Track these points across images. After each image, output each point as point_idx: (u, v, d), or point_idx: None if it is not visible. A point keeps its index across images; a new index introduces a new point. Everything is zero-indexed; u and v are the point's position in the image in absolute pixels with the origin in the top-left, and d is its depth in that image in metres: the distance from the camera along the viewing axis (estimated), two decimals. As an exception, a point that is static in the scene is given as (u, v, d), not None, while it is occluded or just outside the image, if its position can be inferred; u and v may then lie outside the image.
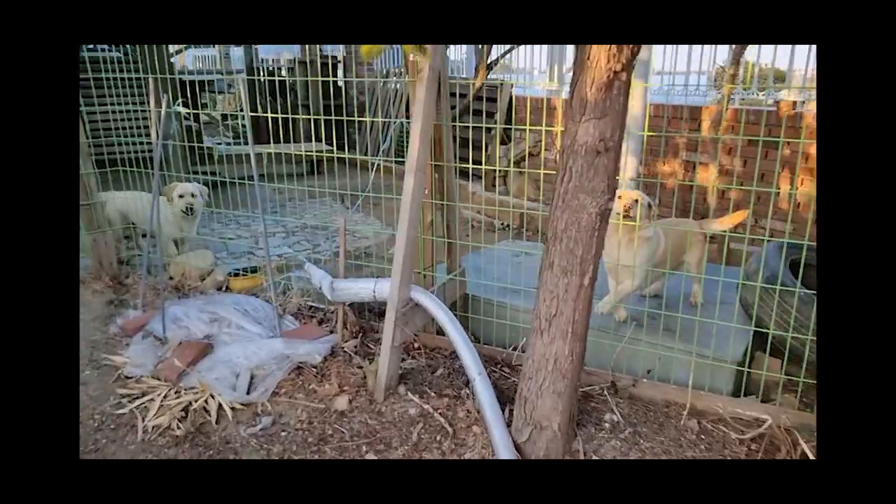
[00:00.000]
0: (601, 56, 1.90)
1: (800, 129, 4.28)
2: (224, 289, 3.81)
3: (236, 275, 3.83)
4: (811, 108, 4.47)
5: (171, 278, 3.96)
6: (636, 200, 2.85)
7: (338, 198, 6.83)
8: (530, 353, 2.29)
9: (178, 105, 3.23)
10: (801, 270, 2.97)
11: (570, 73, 2.05)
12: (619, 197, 2.85)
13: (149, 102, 3.19)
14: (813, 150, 4.31)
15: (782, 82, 5.11)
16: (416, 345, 3.15)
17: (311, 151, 7.65)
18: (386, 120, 8.18)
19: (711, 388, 2.67)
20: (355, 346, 3.11)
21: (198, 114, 7.35)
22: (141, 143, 4.30)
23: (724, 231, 3.08)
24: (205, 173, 5.86)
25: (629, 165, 4.84)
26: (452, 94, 7.72)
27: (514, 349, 3.03)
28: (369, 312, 3.45)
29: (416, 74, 2.72)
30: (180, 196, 4.03)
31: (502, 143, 7.10)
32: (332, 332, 3.22)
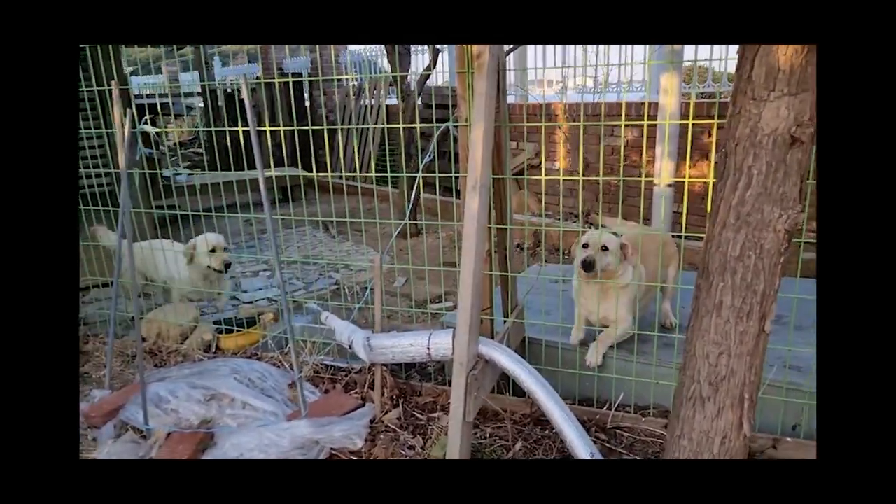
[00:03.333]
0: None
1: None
2: (213, 350, 3.04)
3: (227, 331, 3.07)
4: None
5: (143, 340, 3.17)
6: (604, 248, 2.38)
7: (319, 225, 6.09)
8: (683, 431, 1.65)
9: (145, 123, 2.50)
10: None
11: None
12: (585, 246, 2.41)
13: (111, 116, 2.45)
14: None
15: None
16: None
17: (286, 174, 6.94)
18: (372, 127, 7.51)
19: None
20: (399, 418, 2.41)
21: (158, 139, 6.54)
22: (99, 176, 3.51)
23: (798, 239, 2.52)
24: (169, 207, 5.06)
25: (664, 170, 4.30)
26: (439, 106, 7.11)
27: (606, 406, 2.39)
28: (404, 369, 2.75)
29: (471, 63, 2.09)
30: (212, 251, 3.23)
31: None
32: (364, 399, 2.51)
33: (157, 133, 2.96)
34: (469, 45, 2.12)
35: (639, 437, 2.26)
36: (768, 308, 1.52)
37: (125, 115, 2.34)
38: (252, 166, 7.28)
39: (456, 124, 2.26)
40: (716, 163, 1.55)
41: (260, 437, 2.17)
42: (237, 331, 3.06)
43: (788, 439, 2.13)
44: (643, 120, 4.48)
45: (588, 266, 2.36)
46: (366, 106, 8.40)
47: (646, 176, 4.62)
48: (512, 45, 5.27)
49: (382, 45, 5.05)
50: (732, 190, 1.47)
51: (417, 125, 4.24)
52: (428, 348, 2.18)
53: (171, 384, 2.47)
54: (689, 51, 4.93)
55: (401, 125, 4.75)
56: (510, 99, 6.69)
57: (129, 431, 2.32)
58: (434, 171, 5.32)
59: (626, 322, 2.46)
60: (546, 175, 6.04)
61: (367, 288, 4.25)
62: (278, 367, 2.73)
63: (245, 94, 2.07)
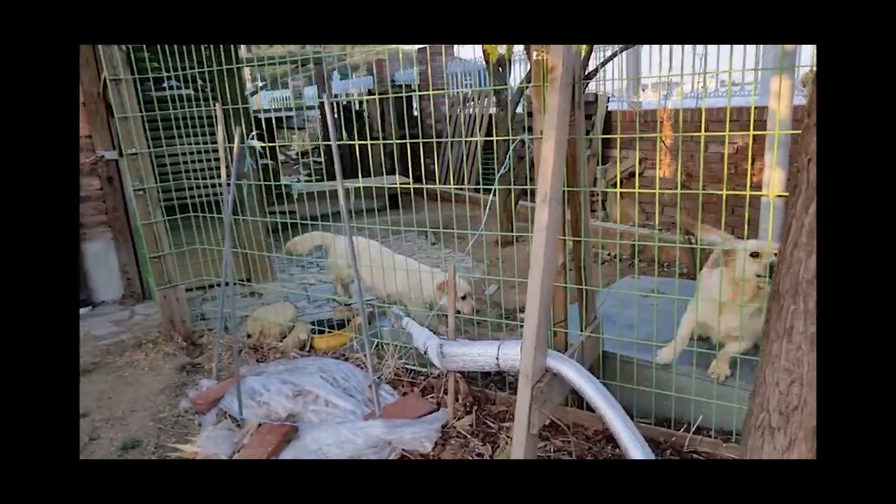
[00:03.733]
0: None
1: None
2: (307, 348, 3.26)
3: (321, 331, 3.28)
4: None
5: (248, 336, 3.47)
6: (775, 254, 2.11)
7: (424, 234, 6.28)
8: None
9: (253, 138, 2.74)
10: None
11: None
12: (758, 256, 2.20)
13: (217, 134, 2.73)
14: None
15: None
16: (546, 419, 2.46)
17: (395, 185, 7.23)
18: (487, 138, 7.65)
19: None
20: (471, 425, 2.46)
21: (274, 150, 7.05)
22: (214, 186, 3.88)
23: None
24: (282, 213, 5.46)
25: (775, 180, 4.01)
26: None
27: (684, 429, 2.29)
28: (483, 377, 2.80)
29: (546, 76, 2.10)
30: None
31: (599, 164, 6.37)
32: (439, 404, 2.59)
33: (262, 147, 3.20)
34: (544, 57, 2.13)
35: (718, 464, 2.14)
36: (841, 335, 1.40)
37: (235, 133, 2.60)
38: (366, 175, 7.63)
39: (531, 136, 2.28)
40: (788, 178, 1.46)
41: (337, 434, 2.31)
42: (329, 332, 3.26)
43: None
44: (750, 126, 4.20)
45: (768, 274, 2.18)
46: (472, 116, 8.55)
47: (752, 187, 4.33)
48: (612, 53, 5.16)
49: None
50: (804, 208, 1.38)
51: (495, 137, 4.25)
52: (497, 358, 2.21)
53: (265, 379, 2.69)
54: (806, 53, 4.56)
55: (494, 136, 4.80)
56: (613, 105, 6.54)
57: (227, 419, 2.56)
58: (529, 181, 5.32)
59: (750, 339, 2.36)
60: (641, 185, 5.82)
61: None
62: (362, 368, 2.87)
63: (326, 107, 2.22)
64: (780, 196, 4.07)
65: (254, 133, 3.15)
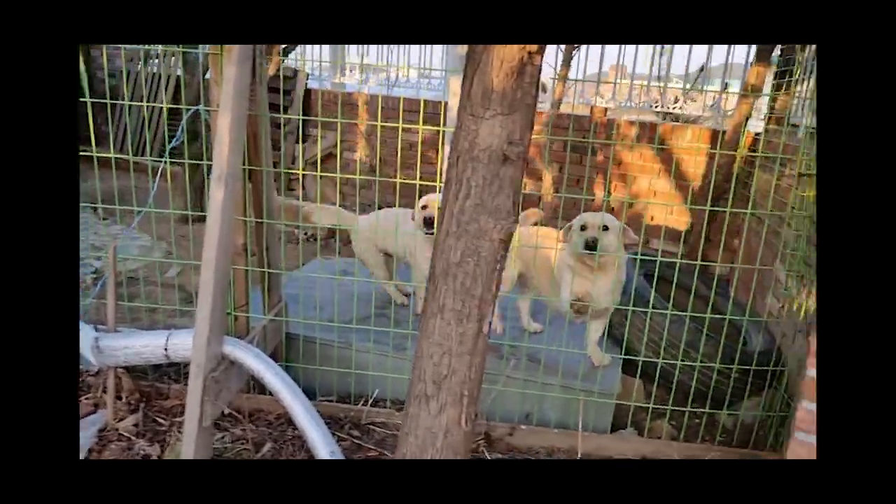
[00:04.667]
0: (512, 31, 1.42)
1: (611, 135, 4.33)
2: None
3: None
4: (621, 114, 4.59)
5: None
6: (605, 227, 2.34)
7: (91, 209, 5.38)
8: (410, 428, 1.71)
9: None
10: (654, 285, 2.85)
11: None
12: (583, 228, 2.37)
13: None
14: (625, 157, 4.40)
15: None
16: (224, 409, 2.34)
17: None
18: (172, 106, 6.83)
19: (595, 426, 2.38)
20: (136, 425, 2.20)
21: None
22: None
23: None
24: None
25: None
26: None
27: (363, 402, 2.42)
28: (154, 370, 2.52)
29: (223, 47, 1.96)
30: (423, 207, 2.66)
31: (297, 141, 6.31)
32: (96, 406, 2.25)
33: None
34: (220, 25, 1.97)
35: (391, 432, 2.32)
36: (486, 311, 1.63)
37: None
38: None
39: (208, 108, 2.11)
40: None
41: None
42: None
43: (523, 427, 2.34)
44: (441, 119, 4.63)
45: (591, 246, 2.28)
46: (156, 75, 7.61)
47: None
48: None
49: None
50: (454, 199, 1.55)
51: (183, 105, 3.89)
52: (165, 349, 2.01)
53: None
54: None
55: (182, 104, 4.36)
56: (313, 84, 6.52)
57: None
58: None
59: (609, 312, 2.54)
60: (343, 165, 5.99)
61: (130, 277, 3.84)
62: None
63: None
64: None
65: None
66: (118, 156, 2.45)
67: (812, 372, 1.85)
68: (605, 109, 4.39)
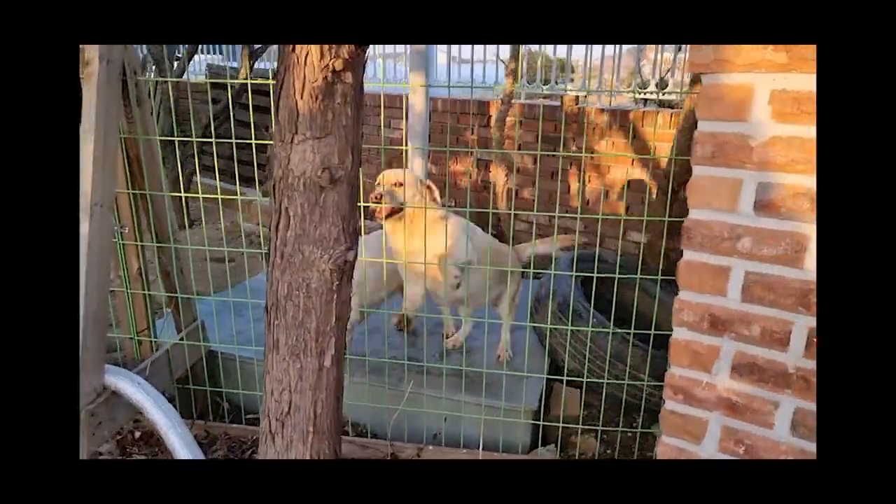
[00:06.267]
0: (312, 49, 1.30)
1: (582, 124, 4.13)
2: None
3: None
4: (593, 102, 4.37)
5: None
6: (398, 183, 2.22)
7: None
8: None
9: None
10: (593, 289, 2.69)
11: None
12: (377, 184, 2.26)
13: None
14: (597, 146, 4.20)
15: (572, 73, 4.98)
16: (136, 434, 2.33)
17: None
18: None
19: (507, 444, 2.26)
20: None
21: None
22: None
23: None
24: None
25: (416, 166, 4.38)
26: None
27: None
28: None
29: (84, 68, 1.90)
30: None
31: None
32: None
33: None
34: (82, 49, 1.91)
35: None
36: (326, 344, 1.54)
37: None
38: None
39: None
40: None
41: None
42: None
43: (430, 447, 2.25)
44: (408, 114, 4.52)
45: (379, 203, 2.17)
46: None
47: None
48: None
49: None
50: (275, 231, 1.46)
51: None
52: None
53: None
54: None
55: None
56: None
57: None
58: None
59: (449, 272, 2.29)
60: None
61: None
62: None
63: None
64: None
65: None
66: None
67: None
68: (577, 98, 4.18)
